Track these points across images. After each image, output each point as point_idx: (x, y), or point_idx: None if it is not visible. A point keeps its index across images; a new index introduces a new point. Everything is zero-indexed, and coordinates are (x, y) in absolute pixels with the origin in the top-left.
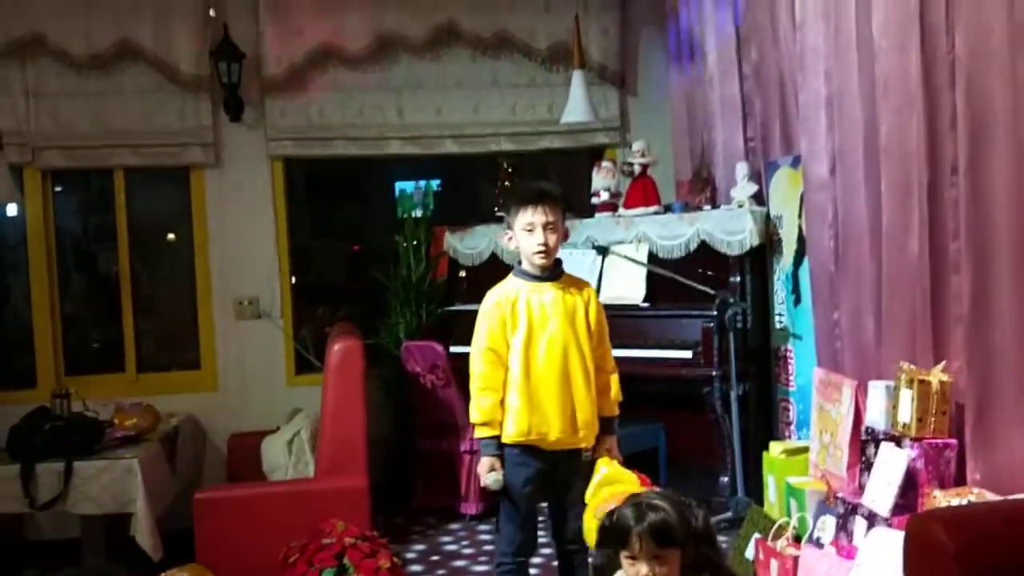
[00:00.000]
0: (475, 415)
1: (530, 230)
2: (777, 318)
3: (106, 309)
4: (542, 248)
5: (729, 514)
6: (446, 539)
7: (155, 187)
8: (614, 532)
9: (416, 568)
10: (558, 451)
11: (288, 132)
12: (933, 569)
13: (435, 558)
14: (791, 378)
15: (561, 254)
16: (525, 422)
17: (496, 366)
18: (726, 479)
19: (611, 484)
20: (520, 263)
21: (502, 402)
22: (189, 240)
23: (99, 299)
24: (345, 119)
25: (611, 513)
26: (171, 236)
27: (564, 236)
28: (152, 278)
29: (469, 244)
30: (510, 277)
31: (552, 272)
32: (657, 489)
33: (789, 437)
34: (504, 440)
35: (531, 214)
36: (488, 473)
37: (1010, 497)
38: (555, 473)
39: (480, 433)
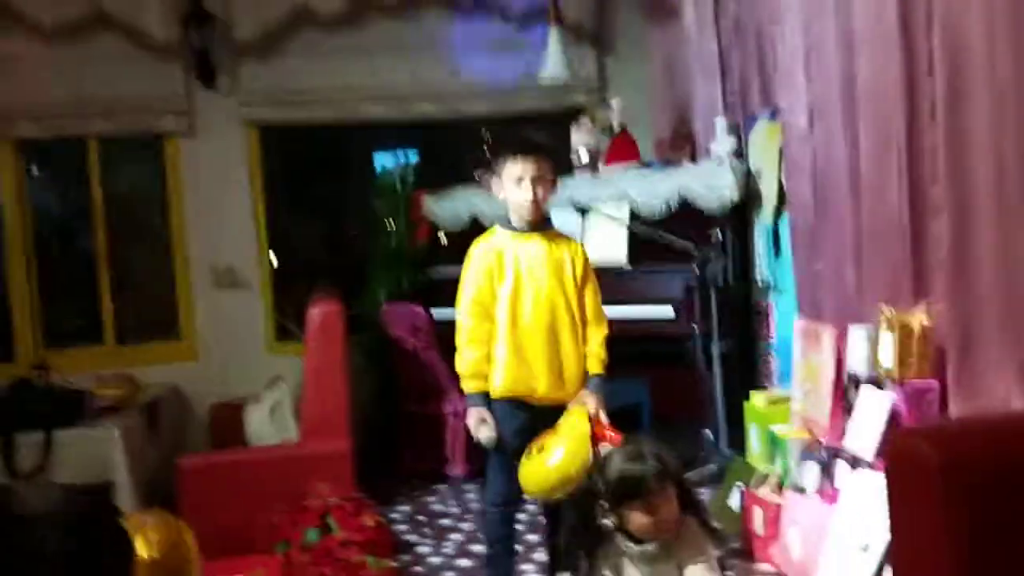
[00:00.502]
0: (461, 368)
1: (519, 182)
2: (758, 272)
3: (84, 281)
4: (531, 201)
5: (713, 467)
6: (432, 499)
7: (129, 158)
8: (629, 486)
9: (402, 527)
10: (545, 405)
11: (262, 97)
12: (917, 483)
13: (421, 518)
14: (772, 331)
15: None
16: (512, 376)
17: (482, 319)
18: (709, 433)
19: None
20: (508, 215)
21: (489, 355)
22: (165, 210)
23: (76, 271)
24: (320, 82)
25: (604, 471)
26: (147, 206)
27: (553, 185)
28: (129, 249)
29: (449, 208)
30: (497, 229)
31: (540, 225)
32: (615, 440)
33: (770, 389)
34: (492, 394)
35: (519, 167)
36: (479, 427)
37: (993, 413)
38: (542, 426)
39: (466, 387)
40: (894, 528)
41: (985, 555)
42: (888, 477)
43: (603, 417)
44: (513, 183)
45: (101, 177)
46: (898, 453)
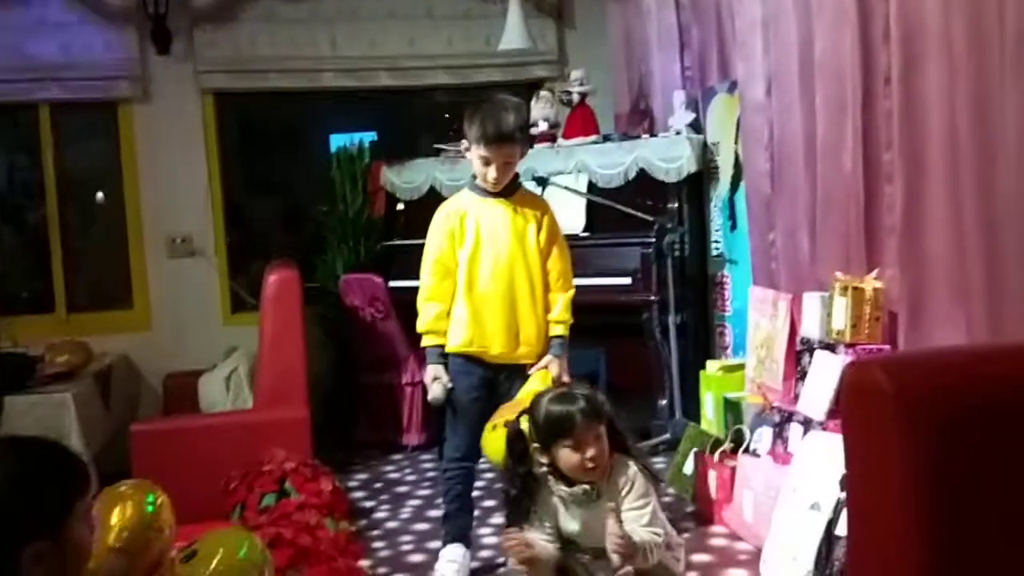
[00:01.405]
0: (420, 324)
1: (486, 163)
2: (714, 245)
3: (35, 249)
4: (495, 179)
5: (667, 436)
6: (388, 468)
7: (82, 124)
8: (557, 424)
9: (358, 495)
10: (501, 364)
11: (218, 64)
12: (872, 412)
13: (378, 486)
14: (727, 303)
15: None
16: (469, 333)
17: (443, 277)
18: (664, 403)
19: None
20: (474, 177)
21: (449, 312)
22: (119, 178)
23: (28, 239)
24: (277, 51)
25: (534, 412)
26: (100, 174)
27: (522, 154)
28: (81, 217)
29: (407, 178)
30: (464, 190)
31: (506, 189)
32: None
33: (725, 360)
34: (449, 349)
35: (492, 152)
36: (433, 382)
37: (947, 347)
38: (497, 384)
39: (425, 342)
40: (849, 461)
41: (942, 485)
42: (844, 409)
43: (566, 379)
44: (480, 159)
45: (53, 144)
46: (854, 383)
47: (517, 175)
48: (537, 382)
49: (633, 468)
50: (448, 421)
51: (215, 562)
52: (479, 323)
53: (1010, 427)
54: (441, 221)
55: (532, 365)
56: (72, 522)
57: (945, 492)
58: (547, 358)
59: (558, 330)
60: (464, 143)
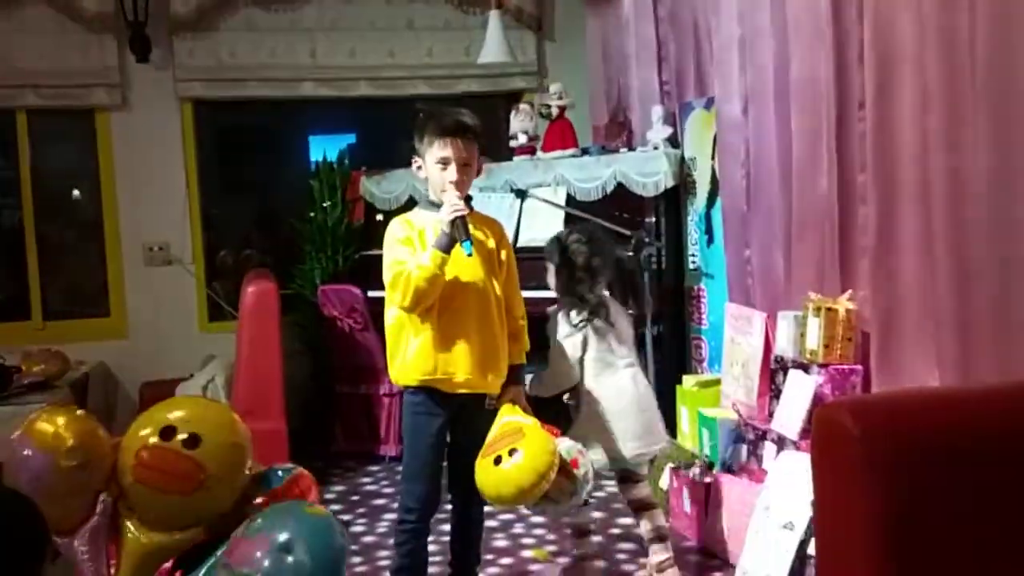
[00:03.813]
0: (409, 279)
1: (443, 165)
2: (690, 258)
3: (11, 256)
4: (454, 183)
5: None
6: (366, 480)
7: (59, 131)
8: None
9: (336, 507)
10: (463, 395)
11: (198, 73)
12: (839, 452)
13: (355, 498)
14: (703, 316)
15: (480, 197)
16: (431, 360)
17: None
18: None
19: (510, 430)
20: (427, 195)
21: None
22: (96, 185)
23: (3, 246)
24: (257, 60)
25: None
26: (78, 181)
27: (479, 172)
28: (58, 224)
29: (385, 188)
30: (416, 210)
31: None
32: (561, 435)
33: (701, 373)
34: (406, 382)
35: (448, 149)
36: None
37: (912, 389)
38: (458, 420)
39: (430, 259)
40: (817, 496)
41: (902, 522)
42: (812, 448)
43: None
44: (436, 164)
45: (30, 151)
46: (822, 425)
47: (471, 197)
48: (514, 415)
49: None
50: (406, 468)
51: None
52: (446, 347)
53: (972, 469)
54: (398, 230)
55: (491, 396)
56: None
57: (908, 530)
58: (514, 390)
59: (522, 358)
60: (416, 161)
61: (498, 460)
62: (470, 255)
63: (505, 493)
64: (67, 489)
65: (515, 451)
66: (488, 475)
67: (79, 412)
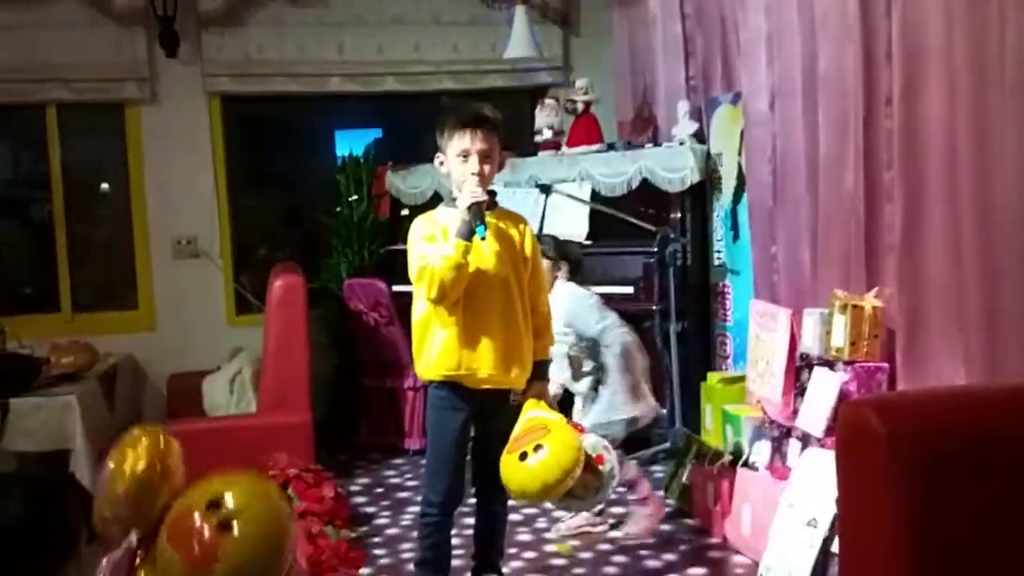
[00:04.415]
0: (432, 269)
1: (464, 157)
2: (716, 254)
3: (41, 249)
4: (476, 175)
5: (667, 444)
6: (390, 473)
7: (89, 125)
8: None
9: (360, 500)
10: (486, 391)
11: (225, 68)
12: (863, 450)
13: (379, 490)
14: (729, 313)
15: (504, 192)
16: (455, 356)
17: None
18: (665, 411)
19: (535, 426)
20: (451, 192)
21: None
22: (125, 179)
23: (34, 239)
24: (284, 55)
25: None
26: (107, 175)
27: (500, 166)
28: (87, 217)
29: (411, 183)
30: (440, 208)
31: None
32: (587, 431)
33: (726, 370)
34: (430, 376)
35: (467, 140)
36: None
37: (938, 388)
38: (482, 415)
39: (454, 250)
40: (841, 494)
41: (926, 520)
42: (838, 446)
43: (555, 407)
44: (457, 157)
45: (60, 144)
46: (846, 423)
47: (494, 192)
48: (539, 410)
49: None
50: (430, 462)
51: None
52: (470, 343)
53: (998, 468)
54: (421, 226)
55: (516, 392)
56: (72, 559)
57: (932, 529)
58: (538, 385)
59: (547, 354)
60: (439, 157)
61: (523, 456)
62: (483, 239)
63: (530, 489)
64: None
65: (540, 447)
66: (514, 471)
67: (166, 441)
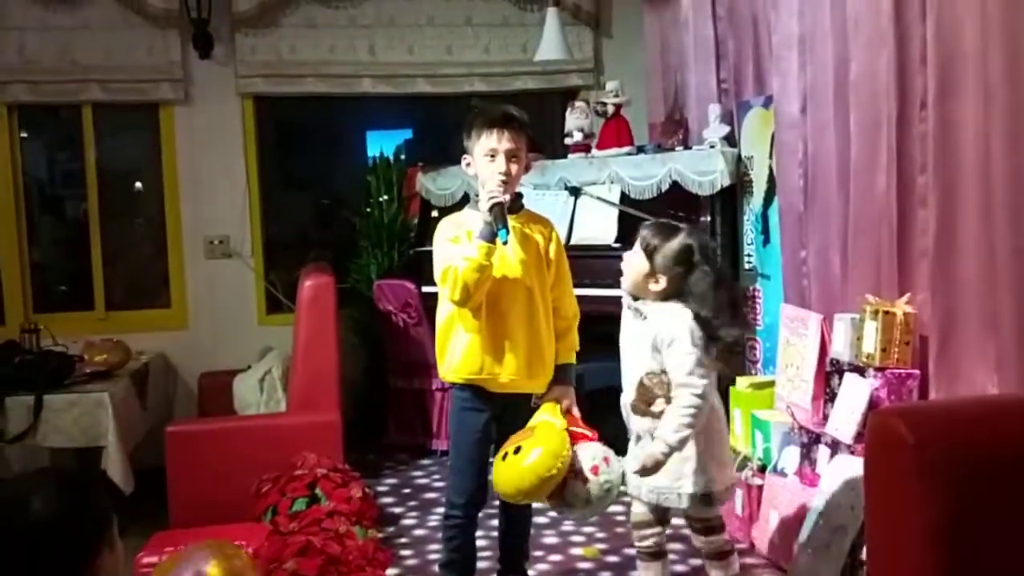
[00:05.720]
0: (466, 266)
1: (491, 157)
2: (746, 258)
3: (75, 247)
4: (503, 176)
5: None
6: (417, 473)
7: (124, 125)
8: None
9: (388, 500)
10: (508, 394)
11: (258, 69)
12: (892, 459)
13: (406, 491)
14: (759, 317)
15: (534, 194)
16: (477, 360)
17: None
18: None
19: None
20: (478, 196)
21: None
22: (158, 178)
23: (68, 237)
24: (316, 56)
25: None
26: (141, 174)
27: (527, 168)
28: (121, 216)
29: (441, 184)
30: (466, 210)
31: (512, 205)
32: (592, 439)
33: (756, 375)
34: (452, 379)
35: (494, 139)
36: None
37: (968, 397)
38: (504, 417)
39: (476, 251)
40: (869, 502)
41: (955, 530)
42: (866, 455)
43: (575, 412)
44: (485, 157)
45: (95, 144)
46: (875, 432)
47: (520, 195)
48: (547, 414)
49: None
50: (453, 464)
51: None
52: (492, 347)
53: None
54: (446, 228)
55: (538, 395)
56: (103, 551)
57: (961, 539)
58: (558, 389)
59: (571, 357)
60: (466, 158)
61: (505, 457)
62: (505, 243)
63: (505, 490)
64: None
65: (519, 450)
66: (495, 471)
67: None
